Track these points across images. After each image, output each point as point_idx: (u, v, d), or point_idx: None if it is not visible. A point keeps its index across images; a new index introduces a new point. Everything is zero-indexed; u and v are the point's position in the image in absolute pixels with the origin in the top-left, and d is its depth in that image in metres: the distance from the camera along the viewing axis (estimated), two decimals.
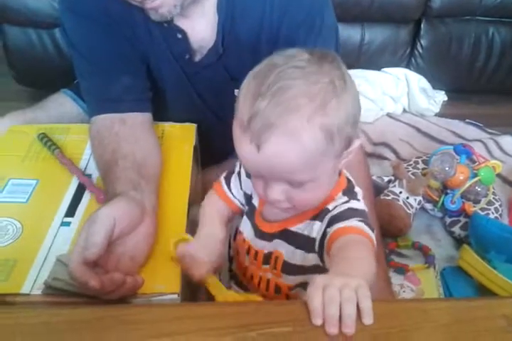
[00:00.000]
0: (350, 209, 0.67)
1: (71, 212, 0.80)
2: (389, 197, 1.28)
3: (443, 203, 1.28)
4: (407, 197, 1.28)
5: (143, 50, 0.99)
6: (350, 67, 2.09)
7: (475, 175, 1.26)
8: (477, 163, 1.32)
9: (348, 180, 0.72)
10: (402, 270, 1.16)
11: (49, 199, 0.82)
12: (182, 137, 1.00)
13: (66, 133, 1.00)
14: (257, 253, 0.76)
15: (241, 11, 0.95)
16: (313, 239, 0.70)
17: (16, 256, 0.69)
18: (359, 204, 0.69)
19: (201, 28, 0.97)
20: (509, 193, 1.38)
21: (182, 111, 1.12)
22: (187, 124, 1.03)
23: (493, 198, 1.30)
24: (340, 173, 0.71)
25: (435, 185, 1.29)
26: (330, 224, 0.67)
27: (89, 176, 0.88)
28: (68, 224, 0.77)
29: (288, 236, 0.72)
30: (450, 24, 1.77)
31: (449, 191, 1.28)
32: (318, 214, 0.69)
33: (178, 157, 0.94)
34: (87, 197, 0.83)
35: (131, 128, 0.92)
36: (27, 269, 0.67)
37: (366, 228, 0.65)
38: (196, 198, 1.05)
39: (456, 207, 1.26)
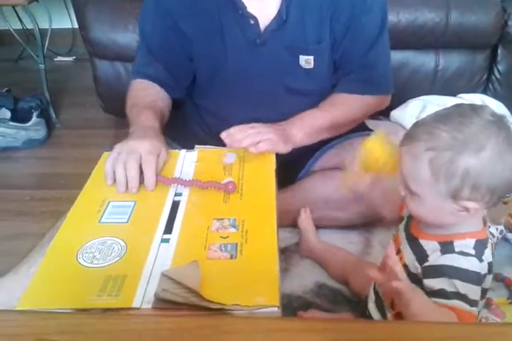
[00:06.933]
0: (456, 268, 0.73)
1: (169, 229, 0.85)
2: None
3: None
4: (489, 226, 1.25)
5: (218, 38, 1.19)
6: (424, 93, 2.08)
7: None
8: None
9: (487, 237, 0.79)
10: (486, 303, 1.13)
11: (147, 219, 0.87)
12: (263, 160, 1.04)
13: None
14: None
15: None
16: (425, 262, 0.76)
17: (124, 272, 0.74)
18: (470, 263, 0.74)
19: (270, 11, 1.14)
20: None
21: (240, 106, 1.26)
22: None
23: None
24: (484, 225, 0.81)
25: None
26: (430, 273, 0.74)
27: (180, 195, 0.94)
28: (167, 240, 0.82)
29: (414, 246, 0.80)
30: None
31: None
32: (444, 244, 0.76)
33: (262, 181, 0.98)
34: (180, 214, 0.88)
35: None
36: (136, 284, 0.72)
37: (466, 307, 0.70)
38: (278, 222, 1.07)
39: None
